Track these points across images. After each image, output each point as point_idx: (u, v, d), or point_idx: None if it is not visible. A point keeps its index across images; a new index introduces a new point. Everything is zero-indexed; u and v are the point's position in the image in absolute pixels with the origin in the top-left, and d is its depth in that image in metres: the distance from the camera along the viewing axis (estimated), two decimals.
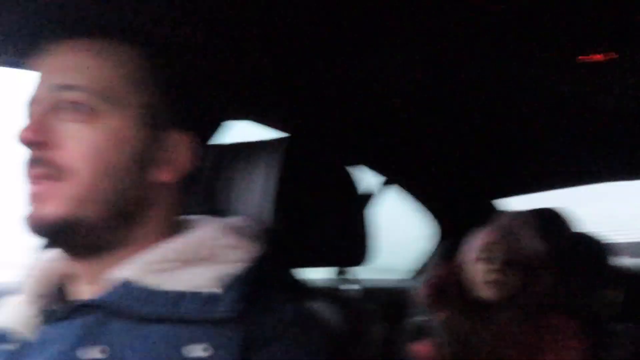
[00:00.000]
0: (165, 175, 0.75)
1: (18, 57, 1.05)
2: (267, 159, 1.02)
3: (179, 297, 0.67)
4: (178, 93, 0.77)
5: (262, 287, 0.72)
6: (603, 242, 1.78)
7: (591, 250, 1.76)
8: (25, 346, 0.72)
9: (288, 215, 1.01)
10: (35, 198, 0.70)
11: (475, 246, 1.74)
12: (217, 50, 1.20)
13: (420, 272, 2.39)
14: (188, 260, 0.71)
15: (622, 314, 1.72)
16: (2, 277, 1.44)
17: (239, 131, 1.57)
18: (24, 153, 0.71)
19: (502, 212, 1.94)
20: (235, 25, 1.12)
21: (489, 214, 1.87)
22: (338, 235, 1.06)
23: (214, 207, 0.96)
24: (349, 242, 1.08)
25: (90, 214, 0.70)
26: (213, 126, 0.85)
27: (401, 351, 1.56)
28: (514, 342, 1.53)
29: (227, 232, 0.76)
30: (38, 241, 0.76)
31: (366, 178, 2.05)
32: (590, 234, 1.82)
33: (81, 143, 0.69)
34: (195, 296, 0.67)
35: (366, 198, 1.16)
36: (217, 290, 0.68)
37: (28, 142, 0.69)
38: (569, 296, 1.62)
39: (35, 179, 0.70)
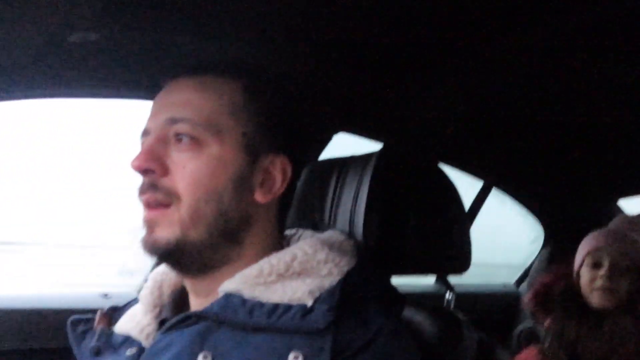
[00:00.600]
0: (263, 196, 0.80)
1: (140, 90, 1.18)
2: (360, 171, 1.05)
3: (273, 309, 0.72)
4: (273, 120, 0.82)
5: (355, 298, 0.76)
6: None
7: None
8: (142, 352, 0.79)
9: (386, 224, 1.04)
10: (149, 223, 0.77)
11: (583, 251, 1.67)
12: (313, 77, 1.26)
13: (525, 277, 2.32)
14: (282, 275, 0.76)
15: None
16: (124, 287, 1.59)
17: (335, 144, 1.63)
18: (137, 179, 0.78)
19: (612, 216, 1.85)
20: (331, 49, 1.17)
21: (598, 218, 1.79)
22: (439, 242, 1.06)
23: (311, 221, 1.00)
24: (449, 248, 1.08)
25: (197, 236, 0.76)
26: (306, 145, 0.89)
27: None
28: (626, 351, 1.45)
29: (319, 247, 0.79)
30: (153, 259, 0.82)
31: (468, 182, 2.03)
32: None
33: (186, 170, 0.76)
34: (288, 308, 0.72)
35: (465, 206, 1.15)
36: (308, 302, 0.72)
37: (139, 169, 0.76)
38: None
39: (147, 204, 0.77)
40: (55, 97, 1.26)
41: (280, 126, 0.83)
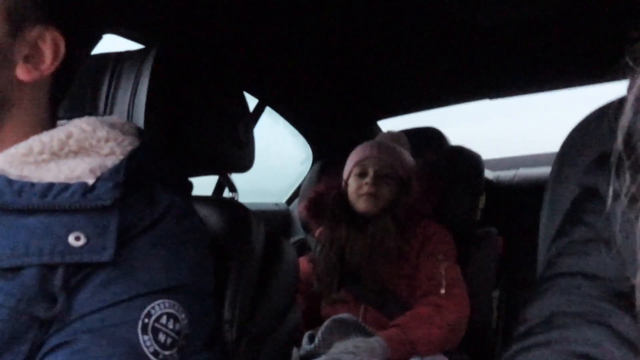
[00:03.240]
0: (28, 73, 0.69)
1: None
2: (138, 65, 0.99)
3: (47, 188, 0.65)
4: None
5: (141, 178, 0.71)
6: (471, 156, 1.90)
7: (460, 164, 1.87)
8: None
9: (167, 122, 0.98)
10: None
11: (352, 162, 1.78)
12: None
13: (295, 197, 2.42)
14: (56, 154, 0.68)
15: (482, 220, 1.86)
16: None
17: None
18: None
19: (374, 135, 2.00)
20: None
21: (361, 138, 1.92)
22: (223, 139, 1.03)
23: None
24: (235, 146, 1.05)
25: None
26: (84, 20, 0.77)
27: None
28: (386, 248, 1.60)
29: (98, 125, 0.72)
30: None
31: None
32: (460, 149, 1.94)
33: None
34: (65, 187, 0.65)
35: (243, 110, 1.12)
36: (89, 180, 0.66)
37: None
38: (439, 205, 1.72)
39: None
40: None
41: None
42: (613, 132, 0.44)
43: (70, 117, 0.82)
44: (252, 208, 1.05)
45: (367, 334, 1.48)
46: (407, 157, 1.80)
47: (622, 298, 0.41)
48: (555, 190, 0.70)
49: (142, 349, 0.60)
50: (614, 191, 0.44)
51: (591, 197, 0.49)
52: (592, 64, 1.82)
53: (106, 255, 0.62)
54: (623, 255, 0.42)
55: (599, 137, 0.65)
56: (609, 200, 0.44)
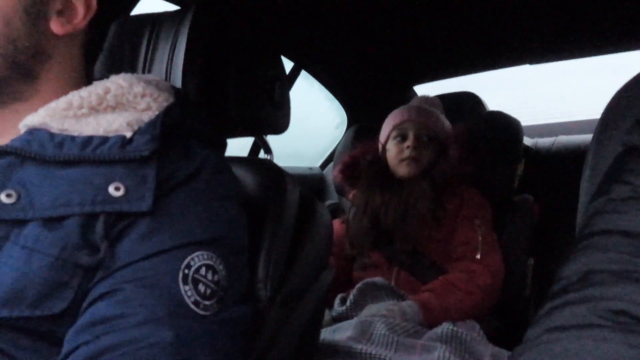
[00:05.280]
0: (61, 27, 0.71)
1: None
2: (175, 26, 1.00)
3: (87, 141, 0.67)
4: None
5: (177, 132, 0.73)
6: (510, 121, 1.86)
7: (499, 129, 1.84)
8: None
9: (205, 82, 0.99)
10: None
11: (389, 125, 1.77)
12: None
13: (329, 161, 2.42)
14: (94, 108, 0.70)
15: (519, 187, 1.84)
16: None
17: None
18: None
19: (409, 100, 1.97)
20: None
21: (396, 103, 1.90)
22: (260, 100, 1.03)
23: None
24: (270, 107, 1.06)
25: None
26: None
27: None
28: (420, 211, 1.59)
29: (135, 81, 0.74)
30: None
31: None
32: (498, 114, 1.90)
33: None
34: (104, 140, 0.67)
35: (280, 72, 1.12)
36: (127, 133, 0.68)
37: None
38: (476, 170, 1.69)
39: None
40: None
41: None
42: None
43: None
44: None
45: (399, 298, 1.49)
46: (445, 121, 1.78)
47: None
48: (597, 151, 0.68)
49: (183, 298, 0.62)
50: None
51: (633, 156, 0.48)
52: (636, 29, 1.76)
53: (145, 205, 0.64)
54: None
55: None
56: None
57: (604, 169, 0.55)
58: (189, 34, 0.96)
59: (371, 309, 1.43)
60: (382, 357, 1.19)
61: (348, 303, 1.49)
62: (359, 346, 1.22)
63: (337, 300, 1.55)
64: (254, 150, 1.96)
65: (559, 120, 2.44)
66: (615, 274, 0.41)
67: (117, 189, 0.63)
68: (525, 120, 1.96)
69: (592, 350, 0.37)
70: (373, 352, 1.20)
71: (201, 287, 0.64)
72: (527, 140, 2.12)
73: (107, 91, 0.71)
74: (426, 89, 2.38)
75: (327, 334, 1.32)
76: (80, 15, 0.72)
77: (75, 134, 0.67)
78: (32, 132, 0.67)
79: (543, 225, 1.80)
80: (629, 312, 0.38)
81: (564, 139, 2.12)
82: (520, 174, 1.82)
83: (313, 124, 2.62)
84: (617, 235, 0.43)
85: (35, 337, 0.60)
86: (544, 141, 2.15)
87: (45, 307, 0.60)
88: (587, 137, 0.73)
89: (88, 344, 0.58)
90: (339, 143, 2.22)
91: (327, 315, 1.49)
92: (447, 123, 1.78)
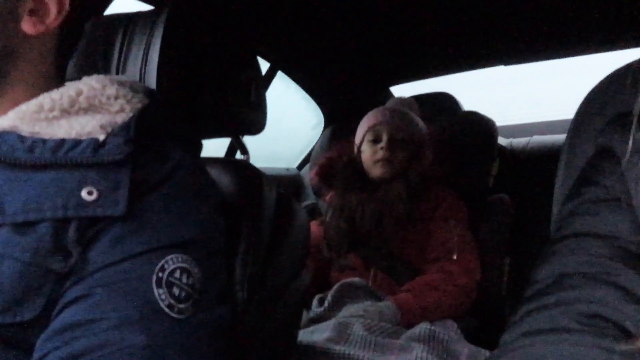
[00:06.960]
0: (33, 26, 0.70)
1: None
2: (150, 26, 0.99)
3: (59, 144, 0.65)
4: None
5: (151, 135, 0.72)
6: (484, 121, 1.88)
7: (474, 129, 1.86)
8: None
9: (180, 83, 0.98)
10: None
11: (364, 127, 1.77)
12: None
13: (306, 162, 2.41)
14: (66, 110, 0.69)
15: (494, 187, 1.85)
16: None
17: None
18: None
19: (385, 101, 1.98)
20: None
21: (373, 104, 1.90)
22: (236, 101, 1.03)
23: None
24: (246, 107, 1.05)
25: None
26: None
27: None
28: (396, 213, 1.60)
29: (108, 83, 0.73)
30: None
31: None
32: (473, 114, 1.92)
33: None
34: (77, 143, 0.66)
35: (256, 72, 1.11)
36: (100, 136, 0.67)
37: None
38: (451, 171, 1.71)
39: None
40: None
41: None
42: (634, 90, 0.43)
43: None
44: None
45: (377, 298, 1.49)
46: (420, 122, 1.79)
47: (632, 257, 0.41)
48: (570, 152, 0.69)
49: (157, 302, 0.61)
50: (633, 146, 0.43)
51: (605, 157, 0.49)
52: (608, 30, 1.79)
53: (119, 210, 0.63)
54: (636, 212, 0.41)
55: (616, 99, 0.64)
56: (627, 156, 0.44)
57: (577, 169, 0.56)
58: (163, 34, 0.95)
59: (349, 310, 1.42)
60: (360, 358, 1.19)
61: (326, 304, 1.49)
62: (337, 347, 1.21)
63: (315, 301, 1.55)
64: (231, 151, 1.95)
65: (534, 120, 2.47)
66: (589, 277, 0.41)
67: (89, 193, 0.62)
68: (500, 121, 1.98)
69: (567, 354, 0.37)
70: (351, 353, 1.20)
71: (175, 290, 0.63)
72: (502, 141, 2.14)
73: (79, 93, 0.70)
74: (403, 90, 2.40)
75: (305, 335, 1.31)
76: (53, 15, 0.71)
77: (47, 137, 0.66)
78: (2, 135, 0.66)
79: (518, 224, 1.82)
80: (602, 315, 0.39)
81: (538, 139, 2.15)
82: (495, 174, 1.84)
83: (290, 125, 2.61)
84: (590, 237, 0.44)
85: (5, 345, 0.59)
86: (519, 141, 2.18)
87: (16, 313, 0.59)
88: (562, 137, 0.73)
89: (58, 349, 0.57)
90: (316, 144, 2.22)
91: (305, 316, 1.49)
92: (422, 124, 1.79)
